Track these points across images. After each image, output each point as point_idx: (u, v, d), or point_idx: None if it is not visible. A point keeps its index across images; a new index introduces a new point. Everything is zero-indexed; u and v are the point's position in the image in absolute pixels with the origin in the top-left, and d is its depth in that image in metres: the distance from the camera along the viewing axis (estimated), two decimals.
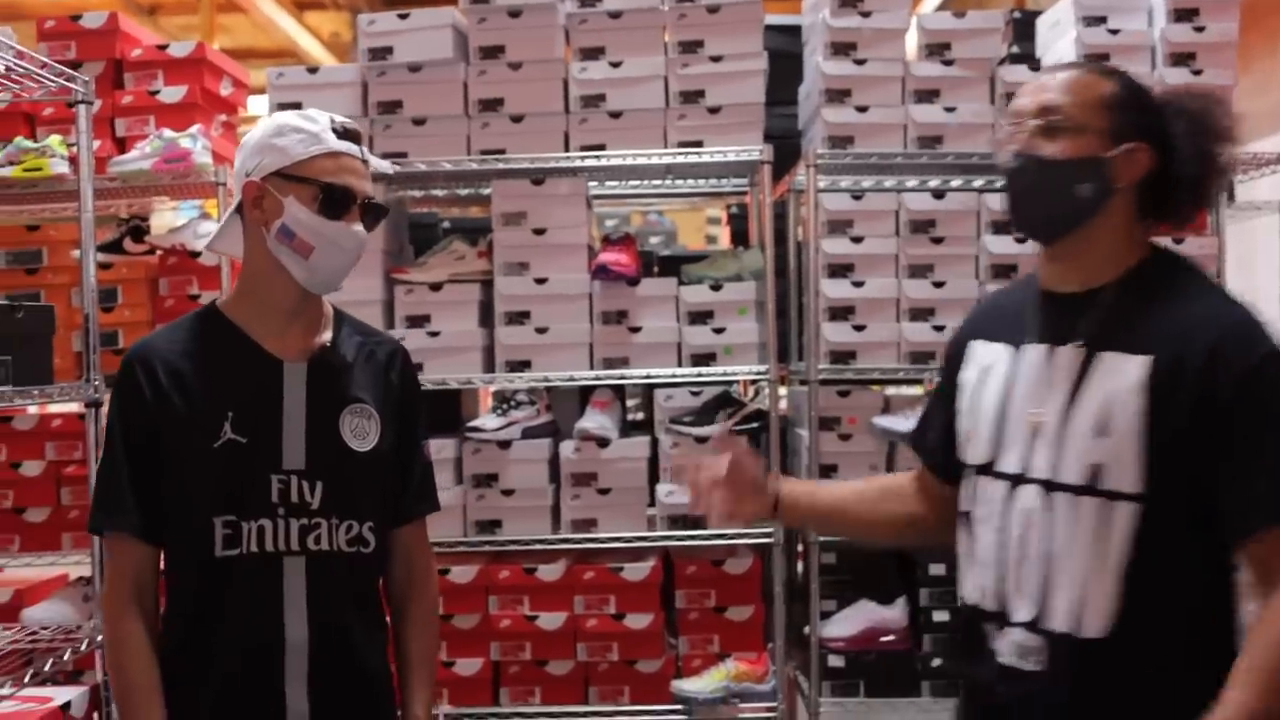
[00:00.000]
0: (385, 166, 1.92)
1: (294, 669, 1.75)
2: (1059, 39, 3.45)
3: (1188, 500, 1.57)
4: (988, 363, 1.77)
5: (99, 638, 2.54)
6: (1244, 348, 1.56)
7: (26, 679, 2.30)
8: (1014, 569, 1.67)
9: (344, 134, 1.78)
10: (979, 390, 1.77)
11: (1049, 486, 1.64)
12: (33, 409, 3.23)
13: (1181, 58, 3.28)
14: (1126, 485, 1.58)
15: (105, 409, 2.63)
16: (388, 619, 1.93)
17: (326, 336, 1.86)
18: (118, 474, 1.75)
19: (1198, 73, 3.25)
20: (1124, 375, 1.59)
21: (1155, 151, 1.65)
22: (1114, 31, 3.29)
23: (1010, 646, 1.67)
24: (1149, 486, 1.57)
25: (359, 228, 1.78)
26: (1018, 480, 1.68)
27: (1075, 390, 1.64)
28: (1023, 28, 3.66)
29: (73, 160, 2.91)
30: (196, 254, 3.35)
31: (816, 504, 2.04)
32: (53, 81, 2.55)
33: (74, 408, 3.08)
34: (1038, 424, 1.66)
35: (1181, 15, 3.28)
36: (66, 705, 2.39)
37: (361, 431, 1.82)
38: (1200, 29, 3.27)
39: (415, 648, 1.93)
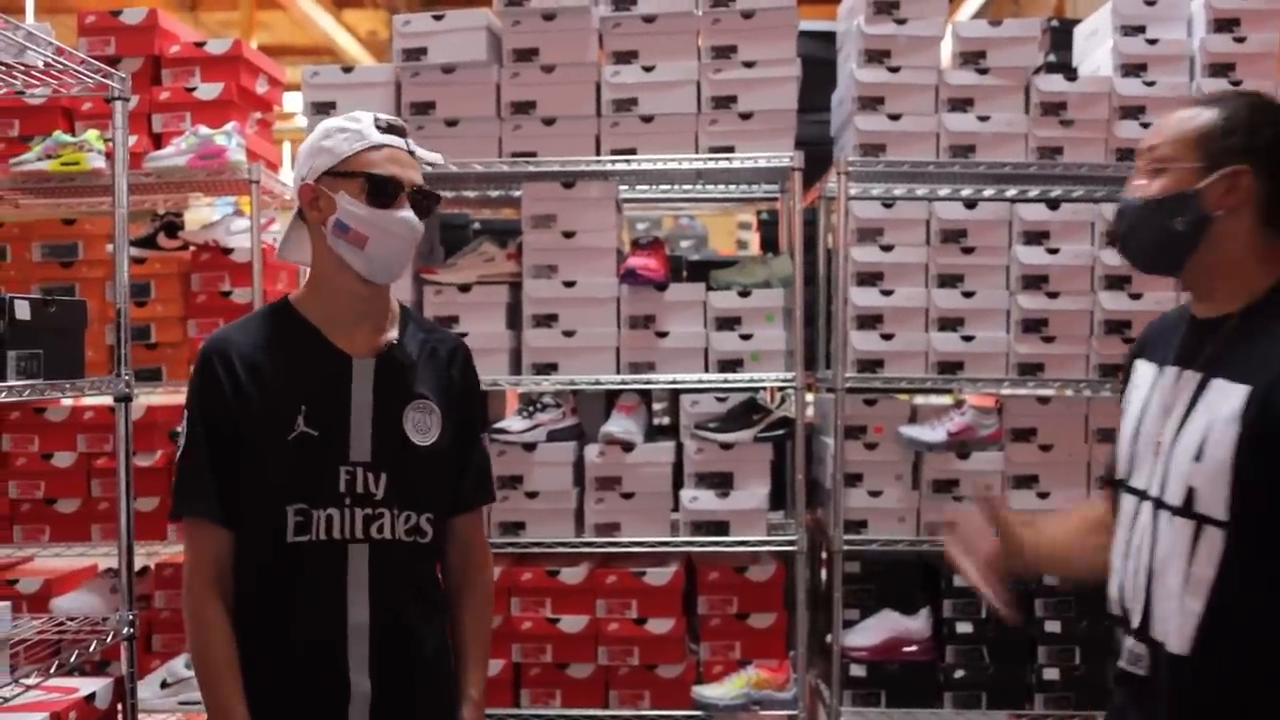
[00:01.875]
0: (435, 158, 1.98)
1: (356, 652, 1.83)
2: (1096, 48, 3.41)
3: (1273, 531, 1.57)
4: (1138, 381, 1.82)
5: (125, 630, 2.56)
6: None
7: (53, 669, 2.32)
8: (1130, 579, 1.73)
9: (388, 129, 1.86)
10: (1127, 407, 1.83)
11: (1158, 505, 1.68)
12: (66, 401, 3.26)
13: (1221, 68, 3.24)
14: (1216, 511, 1.59)
15: (136, 403, 2.68)
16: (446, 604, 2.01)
17: (393, 334, 1.93)
18: (199, 462, 1.83)
19: (1237, 83, 3.21)
20: (1225, 403, 1.60)
21: (1268, 171, 1.64)
22: (1152, 41, 3.26)
23: (1125, 652, 1.74)
24: (1235, 514, 1.58)
25: (410, 214, 1.86)
26: (1143, 496, 1.73)
27: (1186, 414, 1.66)
28: (1060, 37, 3.63)
29: (109, 155, 2.93)
30: (229, 250, 3.38)
31: (1040, 547, 1.96)
32: (90, 77, 2.58)
33: (106, 401, 3.11)
34: (1159, 444, 1.70)
35: (1222, 25, 3.25)
36: (91, 696, 2.40)
37: (423, 426, 1.90)
38: (1241, 39, 3.23)
39: (470, 631, 2.01)
